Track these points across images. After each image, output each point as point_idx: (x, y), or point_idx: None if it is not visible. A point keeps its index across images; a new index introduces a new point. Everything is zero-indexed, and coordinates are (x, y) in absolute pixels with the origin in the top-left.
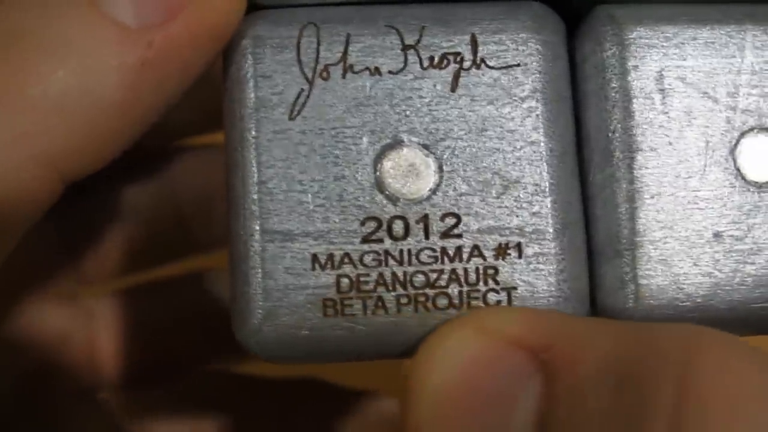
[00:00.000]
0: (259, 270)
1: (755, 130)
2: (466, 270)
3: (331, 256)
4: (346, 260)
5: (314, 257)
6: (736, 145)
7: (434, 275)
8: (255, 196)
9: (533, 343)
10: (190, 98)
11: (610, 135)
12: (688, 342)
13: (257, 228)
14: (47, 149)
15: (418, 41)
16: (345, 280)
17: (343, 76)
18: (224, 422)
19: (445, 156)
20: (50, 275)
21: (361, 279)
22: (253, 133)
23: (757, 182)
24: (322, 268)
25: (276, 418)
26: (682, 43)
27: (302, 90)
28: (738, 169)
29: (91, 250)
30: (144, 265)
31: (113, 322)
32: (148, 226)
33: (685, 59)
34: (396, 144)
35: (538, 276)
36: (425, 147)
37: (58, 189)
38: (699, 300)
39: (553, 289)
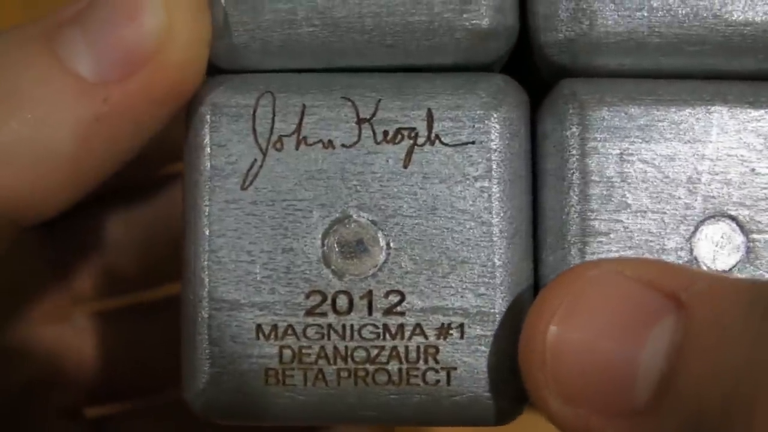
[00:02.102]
0: (206, 336)
1: (715, 218)
2: (407, 348)
3: (275, 327)
4: (289, 332)
5: (259, 327)
6: (694, 232)
7: (375, 351)
8: (205, 264)
9: (670, 285)
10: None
11: (564, 217)
12: None
13: (205, 295)
14: None
15: (374, 115)
16: (288, 352)
17: (297, 148)
18: None
19: (393, 233)
20: (43, 294)
21: (304, 351)
22: (206, 201)
23: (714, 270)
24: (266, 338)
25: None
26: (647, 125)
27: (255, 160)
28: (695, 258)
29: (85, 269)
30: (135, 286)
31: (103, 341)
32: (141, 250)
33: (648, 142)
34: (345, 219)
35: (478, 358)
36: (374, 223)
37: (14, 233)
38: None
39: (494, 371)
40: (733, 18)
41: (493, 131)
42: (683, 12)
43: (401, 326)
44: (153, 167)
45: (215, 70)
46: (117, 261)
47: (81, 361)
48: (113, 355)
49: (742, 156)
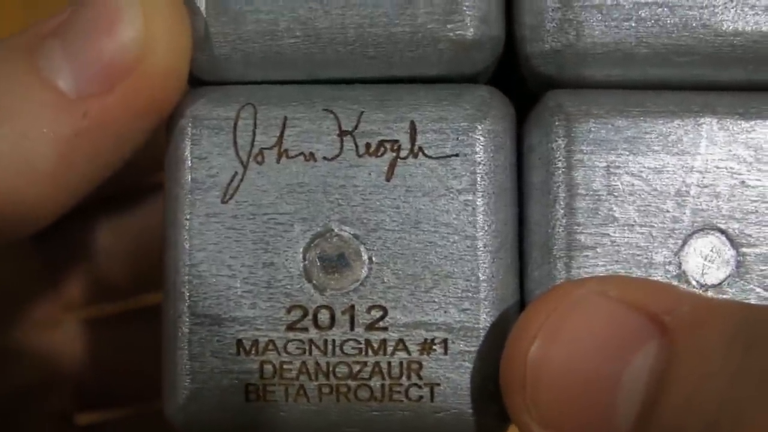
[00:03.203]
0: (186, 352)
1: (704, 231)
2: (389, 363)
3: (256, 343)
4: (270, 347)
5: (239, 342)
6: (683, 246)
7: (357, 367)
8: (185, 278)
9: (654, 308)
10: None
11: (549, 231)
12: None
13: (186, 310)
14: None
15: (356, 127)
16: (268, 367)
17: (278, 161)
18: None
19: (375, 247)
20: (33, 301)
21: (285, 366)
22: (187, 215)
23: (704, 285)
24: (247, 353)
25: None
26: (634, 137)
27: (236, 173)
28: (684, 272)
29: (74, 277)
30: (125, 293)
31: (93, 347)
32: (130, 258)
33: (635, 154)
34: (327, 233)
35: (462, 374)
36: (356, 237)
37: None
38: None
39: (477, 387)
40: (723, 28)
41: (477, 144)
42: (672, 22)
43: (384, 341)
44: (142, 175)
45: (196, 82)
46: (106, 268)
47: (71, 368)
48: (103, 362)
49: (731, 168)
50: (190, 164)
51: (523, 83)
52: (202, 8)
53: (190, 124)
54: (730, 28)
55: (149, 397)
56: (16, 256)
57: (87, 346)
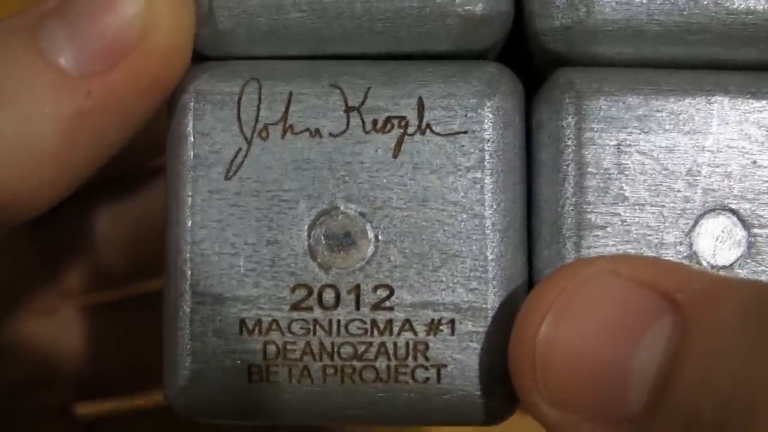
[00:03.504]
0: (188, 332)
1: (715, 212)
2: (395, 344)
3: (259, 322)
4: (273, 327)
5: (242, 322)
6: (694, 226)
7: (362, 347)
8: (187, 256)
9: (666, 286)
10: None
11: (559, 210)
12: None
13: (188, 289)
14: None
15: (362, 103)
16: (272, 347)
17: (283, 137)
18: None
19: (382, 225)
20: (31, 290)
21: (288, 347)
22: (189, 192)
23: (714, 266)
24: (250, 333)
25: None
26: (645, 116)
27: (240, 149)
28: (695, 252)
29: (71, 265)
30: (124, 280)
31: (92, 336)
32: (129, 244)
33: (646, 133)
34: (332, 210)
35: (470, 355)
36: (362, 215)
37: (0, 233)
38: None
39: (485, 369)
40: (735, 6)
41: (486, 120)
42: (683, 0)
43: (390, 322)
44: (140, 160)
45: (200, 58)
46: (105, 255)
47: (70, 357)
48: (102, 350)
49: (743, 148)
50: (192, 140)
51: (531, 60)
52: None
53: (192, 100)
54: (742, 6)
55: (149, 387)
56: (13, 243)
57: (86, 334)
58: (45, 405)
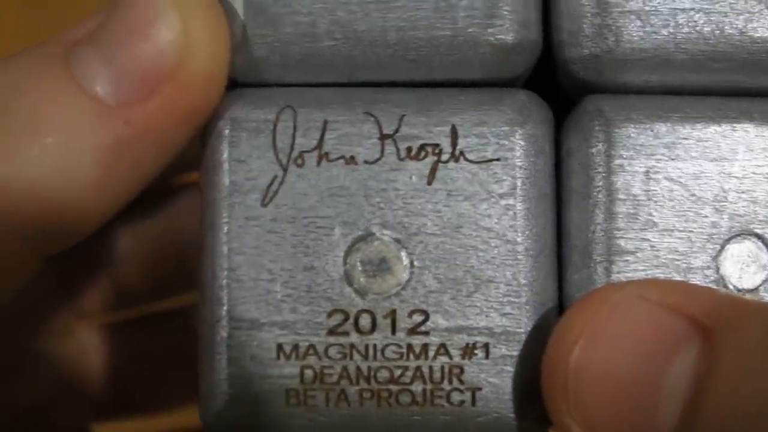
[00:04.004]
0: (225, 357)
1: (741, 236)
2: (431, 368)
3: (296, 347)
4: (311, 351)
5: (279, 347)
6: (720, 251)
7: (399, 371)
8: (224, 282)
9: (693, 310)
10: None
11: (590, 236)
12: None
13: (224, 315)
14: (19, 228)
15: (397, 131)
16: (309, 372)
17: (318, 164)
18: None
19: (417, 251)
20: (49, 310)
21: (325, 371)
22: (225, 218)
23: (741, 289)
24: (287, 358)
25: None
26: (673, 143)
27: (276, 176)
28: (721, 276)
29: (89, 284)
30: (141, 300)
31: (110, 355)
32: (148, 262)
33: (674, 159)
34: (368, 237)
35: (504, 378)
36: (397, 241)
37: (35, 263)
38: None
39: (519, 391)
40: (758, 35)
41: (518, 148)
42: (708, 29)
43: (425, 346)
44: (160, 178)
45: (234, 85)
46: (124, 273)
47: (88, 377)
48: (121, 370)
49: None
50: (228, 167)
51: (558, 87)
52: (240, 11)
53: (228, 127)
54: (766, 35)
55: (168, 407)
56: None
57: (104, 354)
58: (64, 425)
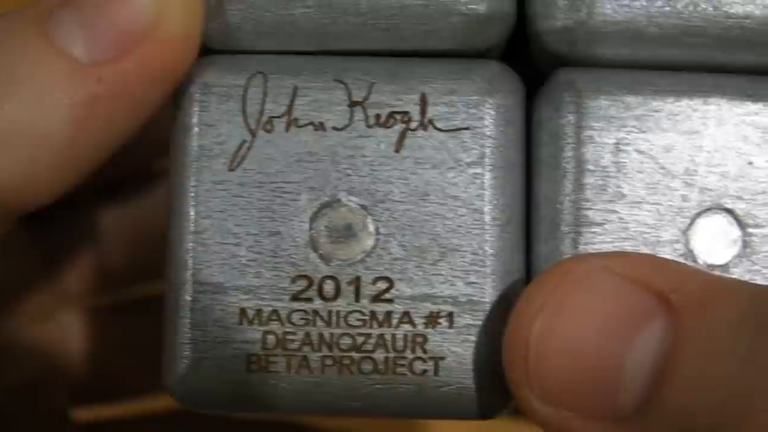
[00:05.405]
0: (188, 320)
1: (712, 211)
2: (394, 336)
3: (259, 312)
4: (273, 317)
5: (243, 312)
6: (690, 225)
7: (361, 339)
8: (189, 246)
9: (660, 285)
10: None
11: (558, 207)
12: None
13: (189, 278)
14: None
15: (366, 98)
16: (271, 337)
17: (287, 130)
18: None
19: (383, 218)
20: (30, 292)
21: (288, 337)
22: (193, 182)
23: (710, 264)
24: (250, 323)
25: None
26: (644, 116)
27: (244, 141)
28: (690, 250)
29: (72, 267)
30: (124, 284)
31: (92, 339)
32: (131, 246)
33: (644, 132)
34: (334, 203)
35: (467, 348)
36: (363, 208)
37: (9, 220)
38: None
39: (482, 362)
40: (733, 11)
41: (487, 117)
42: (683, 3)
43: (389, 314)
44: (144, 162)
45: (207, 51)
46: (107, 257)
47: (70, 360)
48: (103, 354)
49: (739, 149)
50: (197, 131)
51: (533, 60)
52: None
53: (199, 91)
54: (741, 10)
55: (149, 392)
56: (13, 245)
57: (86, 338)
58: (44, 409)
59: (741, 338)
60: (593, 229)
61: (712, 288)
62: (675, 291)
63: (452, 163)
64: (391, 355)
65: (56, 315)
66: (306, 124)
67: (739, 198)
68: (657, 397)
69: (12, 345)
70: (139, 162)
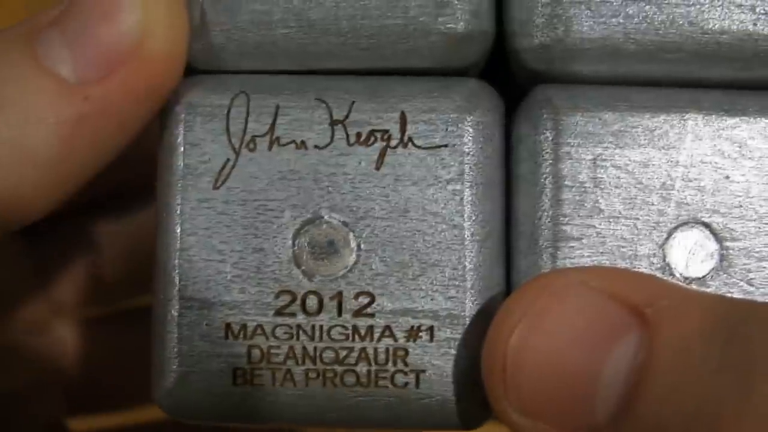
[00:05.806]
0: (175, 335)
1: (688, 225)
2: (375, 350)
3: (244, 327)
4: (258, 332)
5: (228, 326)
6: (667, 239)
7: (344, 352)
8: (176, 262)
9: (635, 299)
10: None
11: (536, 222)
12: None
13: (176, 294)
14: None
15: (347, 116)
16: (256, 351)
17: (270, 149)
18: None
19: (364, 234)
20: (24, 302)
21: (272, 351)
22: (178, 200)
23: (687, 277)
24: (235, 337)
25: None
26: (621, 131)
27: (228, 160)
28: (668, 264)
29: (67, 278)
30: (118, 295)
31: (85, 350)
32: (125, 257)
33: (622, 147)
34: (316, 220)
35: (448, 361)
36: (345, 225)
37: None
38: None
39: (462, 374)
40: (709, 26)
41: (466, 135)
42: (659, 19)
43: (370, 328)
44: (137, 175)
45: (192, 71)
46: (100, 270)
47: (62, 370)
48: (95, 364)
49: (716, 163)
50: (183, 150)
51: (512, 78)
52: None
53: (184, 111)
54: (717, 26)
55: (141, 401)
56: (7, 256)
57: (79, 348)
58: (36, 418)
59: (712, 350)
60: (571, 244)
61: (686, 302)
62: (649, 305)
63: (432, 180)
64: (373, 368)
65: (50, 325)
66: (288, 143)
67: (716, 212)
68: (630, 410)
69: (5, 354)
70: (134, 174)
